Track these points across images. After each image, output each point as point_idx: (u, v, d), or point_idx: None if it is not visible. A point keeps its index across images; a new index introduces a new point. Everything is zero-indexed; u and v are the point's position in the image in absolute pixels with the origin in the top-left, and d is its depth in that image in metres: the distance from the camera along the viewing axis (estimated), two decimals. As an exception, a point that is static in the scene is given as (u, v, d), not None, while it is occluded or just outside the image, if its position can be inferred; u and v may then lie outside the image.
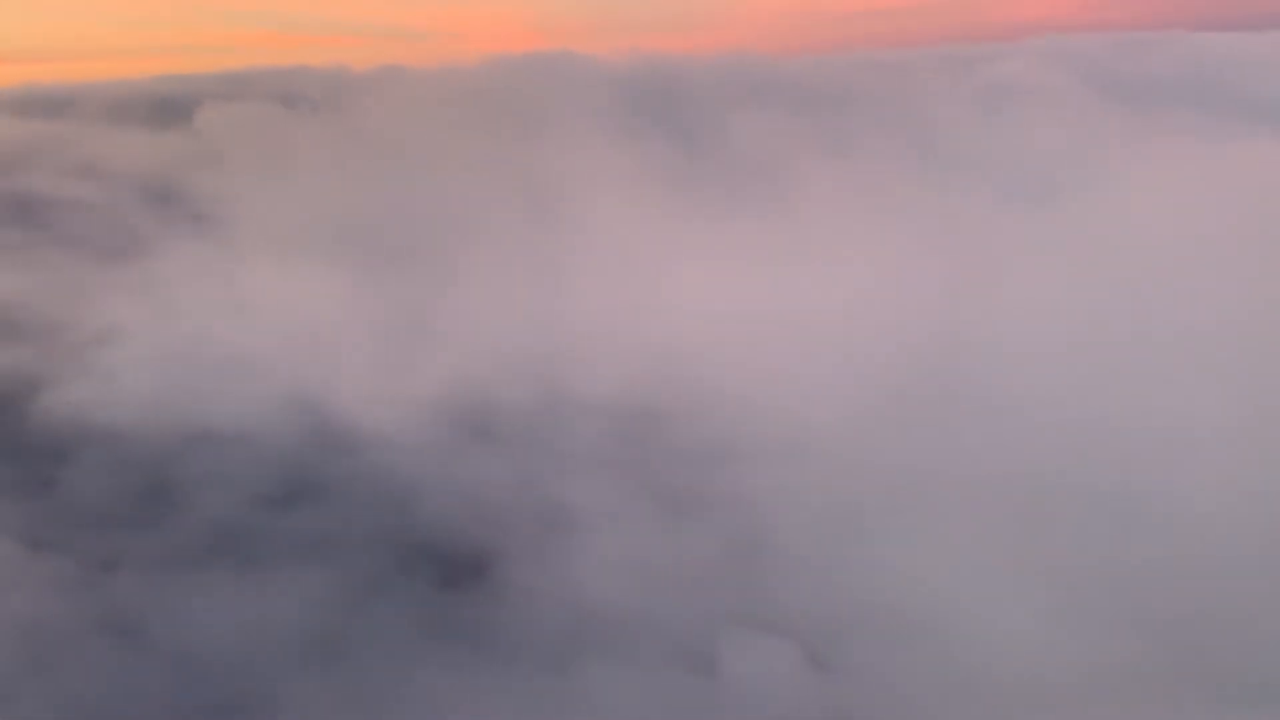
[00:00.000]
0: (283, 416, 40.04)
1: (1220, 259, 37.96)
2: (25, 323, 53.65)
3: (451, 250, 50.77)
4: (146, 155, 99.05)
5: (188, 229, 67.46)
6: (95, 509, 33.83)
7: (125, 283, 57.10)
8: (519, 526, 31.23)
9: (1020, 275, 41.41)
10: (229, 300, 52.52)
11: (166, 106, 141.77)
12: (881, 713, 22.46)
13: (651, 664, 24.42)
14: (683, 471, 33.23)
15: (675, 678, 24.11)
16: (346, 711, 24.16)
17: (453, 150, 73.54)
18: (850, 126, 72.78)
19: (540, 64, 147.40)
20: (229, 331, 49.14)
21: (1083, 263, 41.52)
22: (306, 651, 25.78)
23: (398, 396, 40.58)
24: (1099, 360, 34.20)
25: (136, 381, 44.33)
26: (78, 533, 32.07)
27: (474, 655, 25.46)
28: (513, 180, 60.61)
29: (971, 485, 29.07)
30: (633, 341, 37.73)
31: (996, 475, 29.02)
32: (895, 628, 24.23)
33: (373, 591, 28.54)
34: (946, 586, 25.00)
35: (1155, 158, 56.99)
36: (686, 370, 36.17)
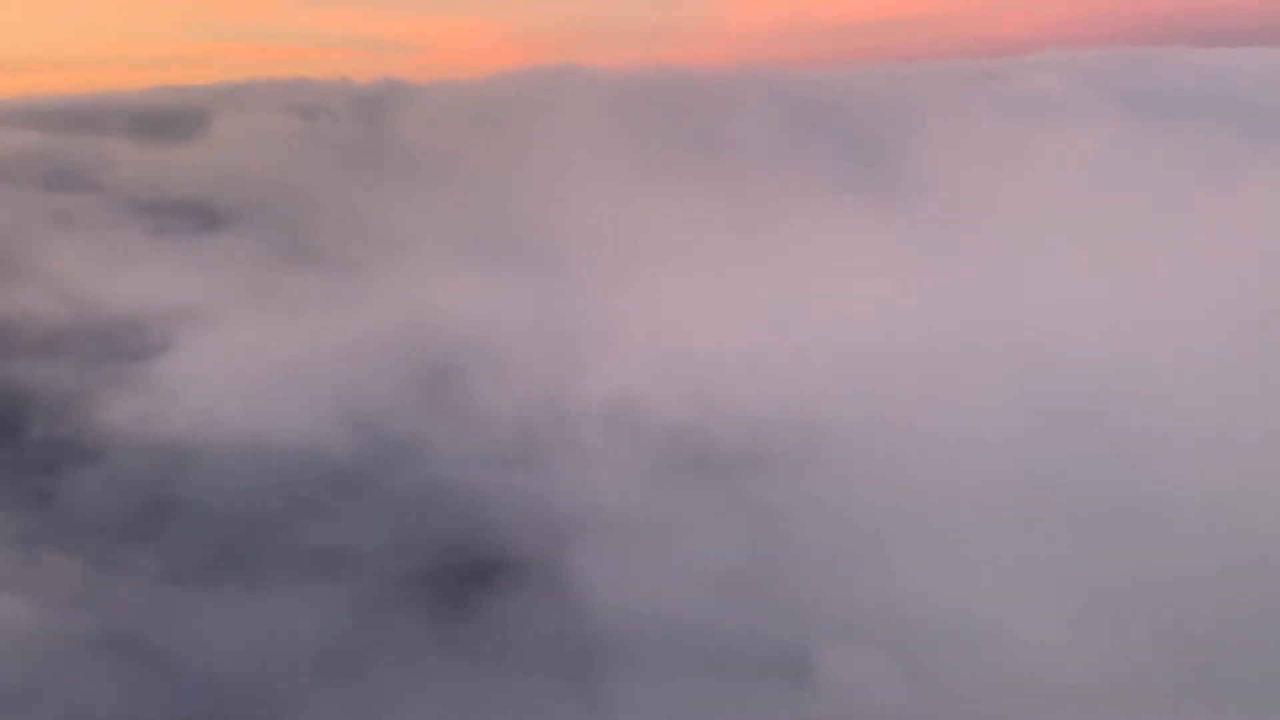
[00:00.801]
0: (343, 428, 39.33)
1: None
2: (85, 333, 53.10)
3: (578, 258, 50.51)
4: (171, 167, 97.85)
5: (242, 241, 66.70)
6: (96, 520, 33.23)
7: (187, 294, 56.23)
8: (588, 537, 30.50)
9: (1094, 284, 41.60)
10: (293, 310, 51.92)
11: (170, 118, 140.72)
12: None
13: (690, 673, 24.29)
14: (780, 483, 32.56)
15: (714, 685, 24.04)
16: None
17: (531, 160, 72.98)
18: (910, 139, 72.82)
19: (554, 76, 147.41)
20: (287, 341, 48.71)
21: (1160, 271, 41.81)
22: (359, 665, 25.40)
23: (476, 409, 40.05)
24: (1151, 365, 34.62)
25: (192, 395, 43.43)
26: (98, 543, 31.55)
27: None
28: (618, 187, 60.18)
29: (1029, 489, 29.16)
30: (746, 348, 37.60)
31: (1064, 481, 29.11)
32: (934, 635, 24.43)
33: (448, 603, 28.33)
34: (980, 593, 25.25)
35: (1221, 169, 57.31)
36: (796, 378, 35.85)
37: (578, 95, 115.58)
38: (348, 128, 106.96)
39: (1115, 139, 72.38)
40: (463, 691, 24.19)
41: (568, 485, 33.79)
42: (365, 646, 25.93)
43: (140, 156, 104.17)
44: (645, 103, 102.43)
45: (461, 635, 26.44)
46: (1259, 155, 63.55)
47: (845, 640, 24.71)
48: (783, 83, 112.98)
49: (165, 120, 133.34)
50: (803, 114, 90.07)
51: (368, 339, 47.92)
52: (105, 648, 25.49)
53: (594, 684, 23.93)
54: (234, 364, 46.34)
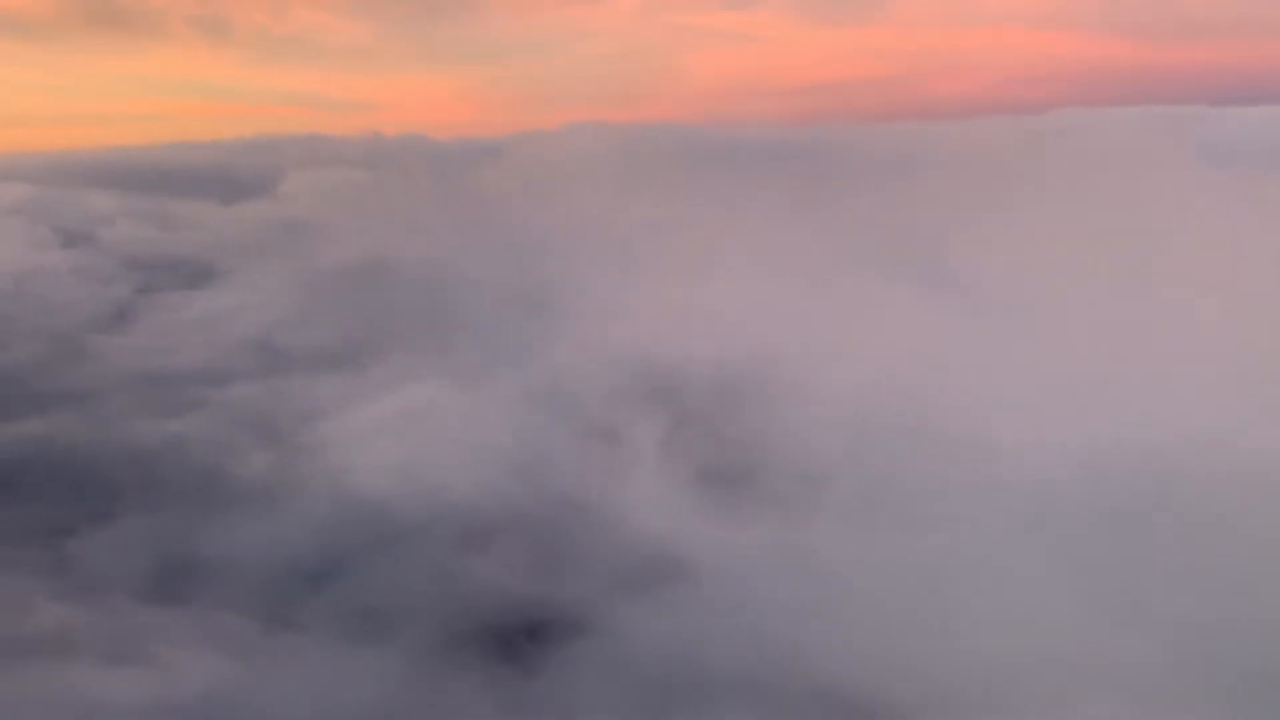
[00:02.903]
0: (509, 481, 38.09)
1: None
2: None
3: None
4: (249, 222, 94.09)
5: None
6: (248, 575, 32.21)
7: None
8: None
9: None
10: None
11: (202, 176, 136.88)
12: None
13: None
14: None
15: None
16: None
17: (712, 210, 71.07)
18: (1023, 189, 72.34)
19: (591, 131, 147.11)
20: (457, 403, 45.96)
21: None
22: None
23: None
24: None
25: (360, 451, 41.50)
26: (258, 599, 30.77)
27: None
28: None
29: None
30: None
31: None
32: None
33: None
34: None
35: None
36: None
37: (646, 147, 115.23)
38: (424, 182, 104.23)
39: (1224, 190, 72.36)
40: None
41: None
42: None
43: (215, 214, 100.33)
44: (734, 153, 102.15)
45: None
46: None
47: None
48: (862, 138, 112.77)
49: (190, 180, 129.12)
50: (926, 169, 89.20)
51: (527, 393, 46.13)
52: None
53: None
54: (398, 420, 44.15)
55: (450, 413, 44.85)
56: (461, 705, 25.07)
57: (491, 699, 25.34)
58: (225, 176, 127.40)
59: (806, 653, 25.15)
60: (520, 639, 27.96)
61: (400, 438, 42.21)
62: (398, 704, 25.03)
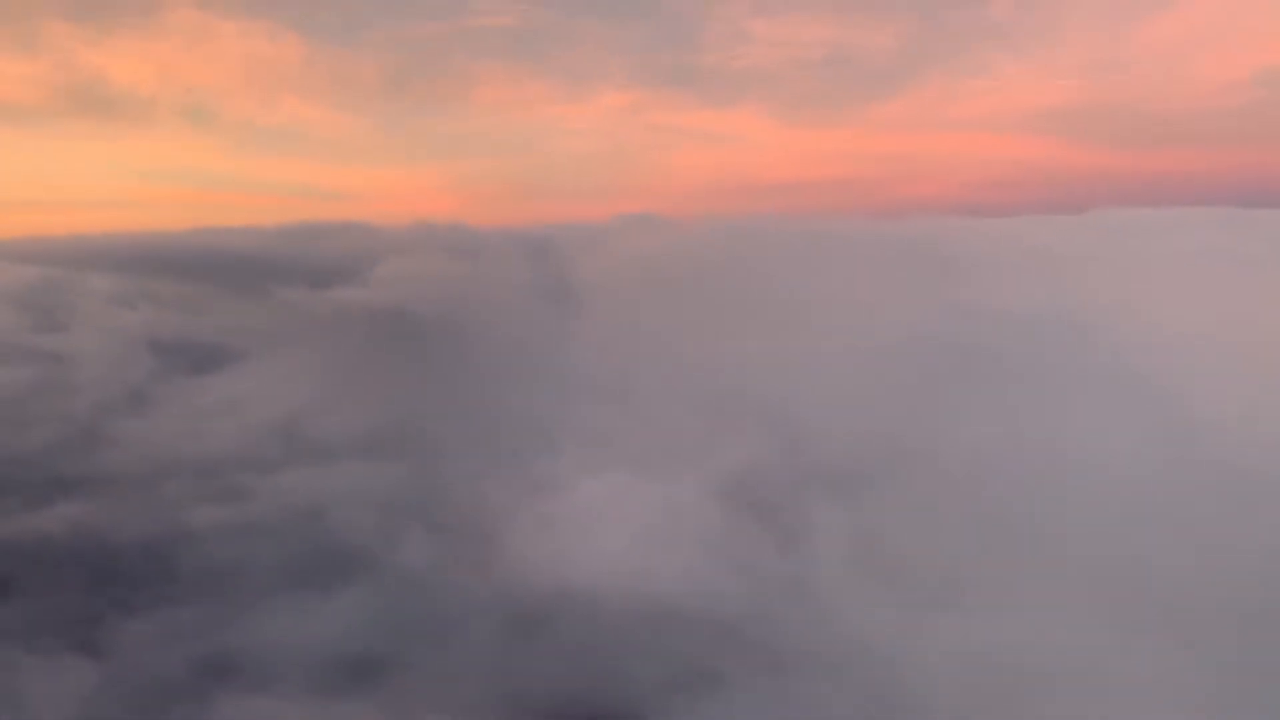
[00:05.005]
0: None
1: None
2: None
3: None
4: (349, 308, 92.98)
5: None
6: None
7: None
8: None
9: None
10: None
11: (255, 261, 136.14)
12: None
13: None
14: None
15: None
16: None
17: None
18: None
19: (644, 223, 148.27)
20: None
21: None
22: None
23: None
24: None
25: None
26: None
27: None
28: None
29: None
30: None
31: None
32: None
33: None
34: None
35: None
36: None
37: (710, 239, 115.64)
38: (517, 270, 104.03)
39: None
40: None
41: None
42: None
43: (311, 298, 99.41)
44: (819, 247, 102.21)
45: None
46: None
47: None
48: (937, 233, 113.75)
49: (273, 262, 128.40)
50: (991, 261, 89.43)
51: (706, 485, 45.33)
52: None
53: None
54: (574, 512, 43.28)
55: (632, 506, 43.60)
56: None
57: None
58: (283, 262, 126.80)
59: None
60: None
61: (568, 529, 41.37)
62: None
